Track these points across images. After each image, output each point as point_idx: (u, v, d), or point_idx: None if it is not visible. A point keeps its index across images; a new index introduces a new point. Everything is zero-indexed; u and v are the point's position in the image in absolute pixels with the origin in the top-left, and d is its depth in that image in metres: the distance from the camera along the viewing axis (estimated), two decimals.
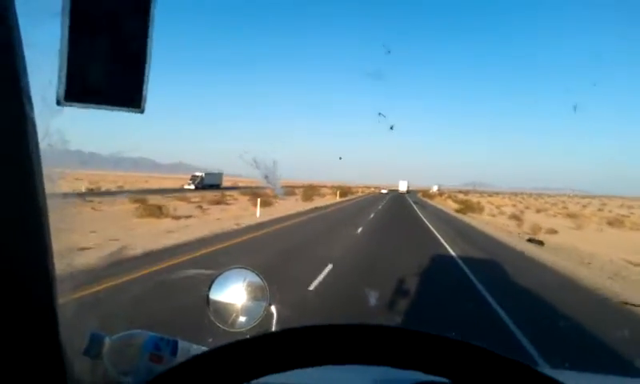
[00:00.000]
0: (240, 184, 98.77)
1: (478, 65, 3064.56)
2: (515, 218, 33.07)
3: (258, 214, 23.29)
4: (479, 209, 36.02)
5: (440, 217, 32.17)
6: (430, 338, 0.60)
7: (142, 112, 0.73)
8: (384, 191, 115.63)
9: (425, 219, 28.69)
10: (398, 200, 63.04)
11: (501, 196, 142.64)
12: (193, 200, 37.17)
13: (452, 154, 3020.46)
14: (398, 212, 36.07)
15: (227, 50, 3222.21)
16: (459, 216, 33.06)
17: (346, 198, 57.47)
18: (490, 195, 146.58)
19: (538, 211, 55.64)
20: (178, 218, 21.45)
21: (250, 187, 71.89)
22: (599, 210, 69.80)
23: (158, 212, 21.84)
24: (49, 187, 0.72)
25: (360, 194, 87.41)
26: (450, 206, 51.53)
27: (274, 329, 1.28)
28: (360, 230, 18.90)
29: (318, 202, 41.28)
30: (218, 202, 36.56)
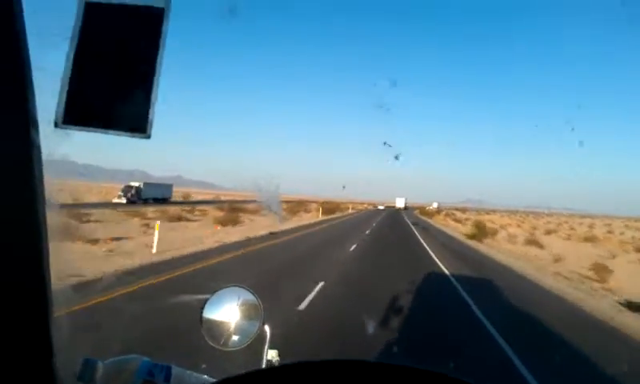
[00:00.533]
0: (222, 197, 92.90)
1: (470, 86, 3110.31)
2: (536, 244, 27.43)
3: (155, 248, 14.19)
4: (492, 233, 28.70)
5: (454, 250, 22.38)
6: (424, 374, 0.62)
7: (148, 137, 0.72)
8: (381, 207, 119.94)
9: (434, 255, 18.34)
10: (394, 219, 53.59)
11: (499, 214, 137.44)
12: (149, 215, 31.27)
13: (447, 173, 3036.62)
14: (394, 240, 25.42)
15: (233, 69, 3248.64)
16: (474, 245, 25.35)
17: (331, 216, 48.35)
18: (488, 213, 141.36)
19: (548, 233, 50.23)
20: (104, 242, 15.74)
21: (236, 201, 66.32)
22: (609, 231, 64.40)
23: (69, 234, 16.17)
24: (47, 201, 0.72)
25: (350, 210, 77.08)
26: (454, 228, 44.31)
27: (266, 348, 1.30)
28: (317, 290, 9.48)
29: (295, 222, 34.36)
30: (179, 218, 30.67)
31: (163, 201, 56.44)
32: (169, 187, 63.65)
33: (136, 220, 27.79)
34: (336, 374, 0.60)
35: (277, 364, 1.40)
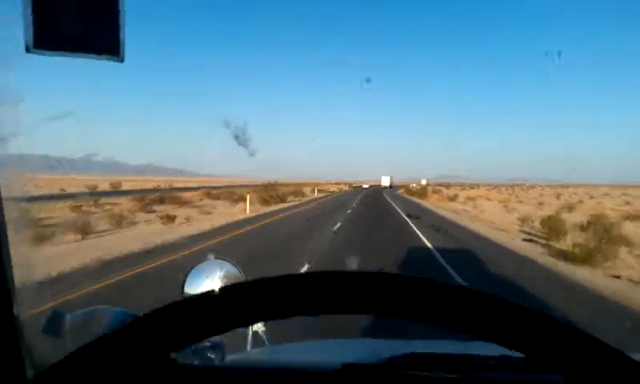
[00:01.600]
0: (191, 183, 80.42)
1: (439, 56, 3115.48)
2: (610, 240, 16.18)
3: None
4: (563, 231, 14.73)
5: None
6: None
7: (121, 61, 0.68)
8: (365, 186, 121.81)
9: None
10: (377, 209, 35.37)
11: (485, 188, 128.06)
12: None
13: (421, 148, 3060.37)
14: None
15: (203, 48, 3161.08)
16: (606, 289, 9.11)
17: (270, 210, 29.41)
18: (472, 188, 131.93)
19: (570, 210, 39.79)
20: None
21: (188, 189, 53.59)
22: (627, 202, 55.53)
23: None
24: (5, 192, 0.69)
25: (317, 194, 60.24)
26: (478, 220, 27.46)
27: None
28: None
29: (203, 222, 20.73)
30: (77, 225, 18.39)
31: None
32: None
33: None
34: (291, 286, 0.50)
35: (263, 335, 1.41)
